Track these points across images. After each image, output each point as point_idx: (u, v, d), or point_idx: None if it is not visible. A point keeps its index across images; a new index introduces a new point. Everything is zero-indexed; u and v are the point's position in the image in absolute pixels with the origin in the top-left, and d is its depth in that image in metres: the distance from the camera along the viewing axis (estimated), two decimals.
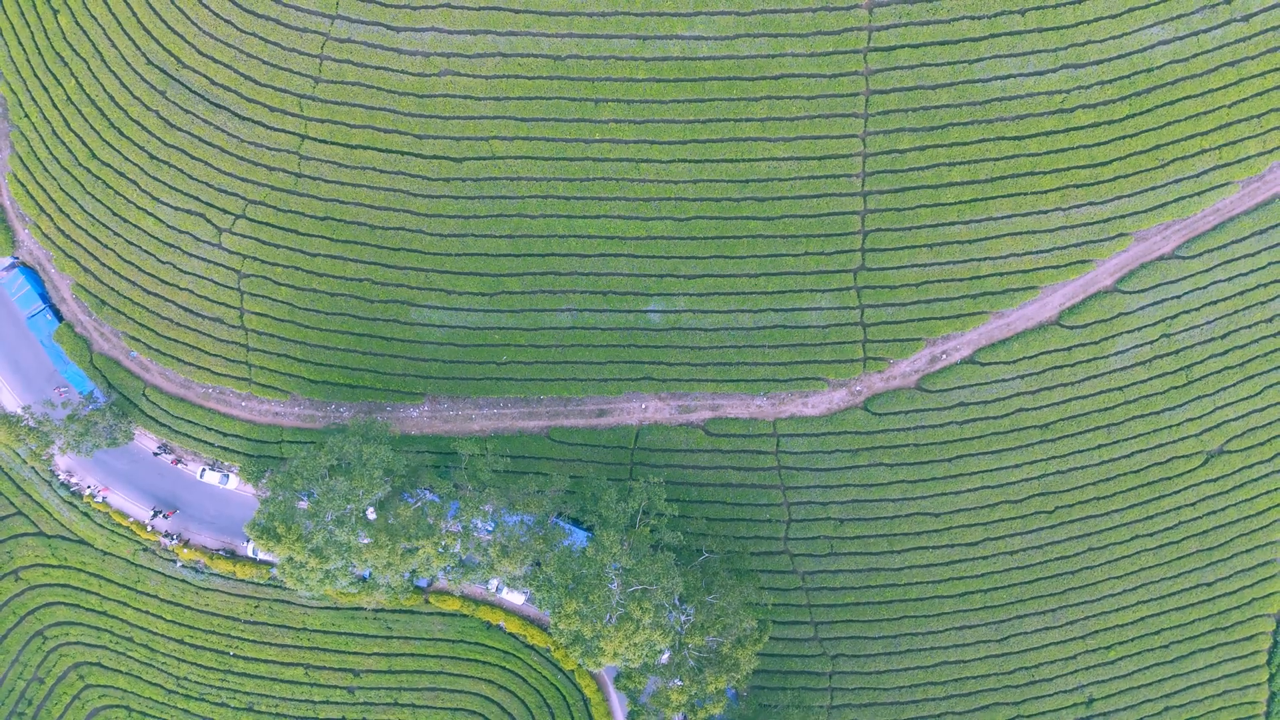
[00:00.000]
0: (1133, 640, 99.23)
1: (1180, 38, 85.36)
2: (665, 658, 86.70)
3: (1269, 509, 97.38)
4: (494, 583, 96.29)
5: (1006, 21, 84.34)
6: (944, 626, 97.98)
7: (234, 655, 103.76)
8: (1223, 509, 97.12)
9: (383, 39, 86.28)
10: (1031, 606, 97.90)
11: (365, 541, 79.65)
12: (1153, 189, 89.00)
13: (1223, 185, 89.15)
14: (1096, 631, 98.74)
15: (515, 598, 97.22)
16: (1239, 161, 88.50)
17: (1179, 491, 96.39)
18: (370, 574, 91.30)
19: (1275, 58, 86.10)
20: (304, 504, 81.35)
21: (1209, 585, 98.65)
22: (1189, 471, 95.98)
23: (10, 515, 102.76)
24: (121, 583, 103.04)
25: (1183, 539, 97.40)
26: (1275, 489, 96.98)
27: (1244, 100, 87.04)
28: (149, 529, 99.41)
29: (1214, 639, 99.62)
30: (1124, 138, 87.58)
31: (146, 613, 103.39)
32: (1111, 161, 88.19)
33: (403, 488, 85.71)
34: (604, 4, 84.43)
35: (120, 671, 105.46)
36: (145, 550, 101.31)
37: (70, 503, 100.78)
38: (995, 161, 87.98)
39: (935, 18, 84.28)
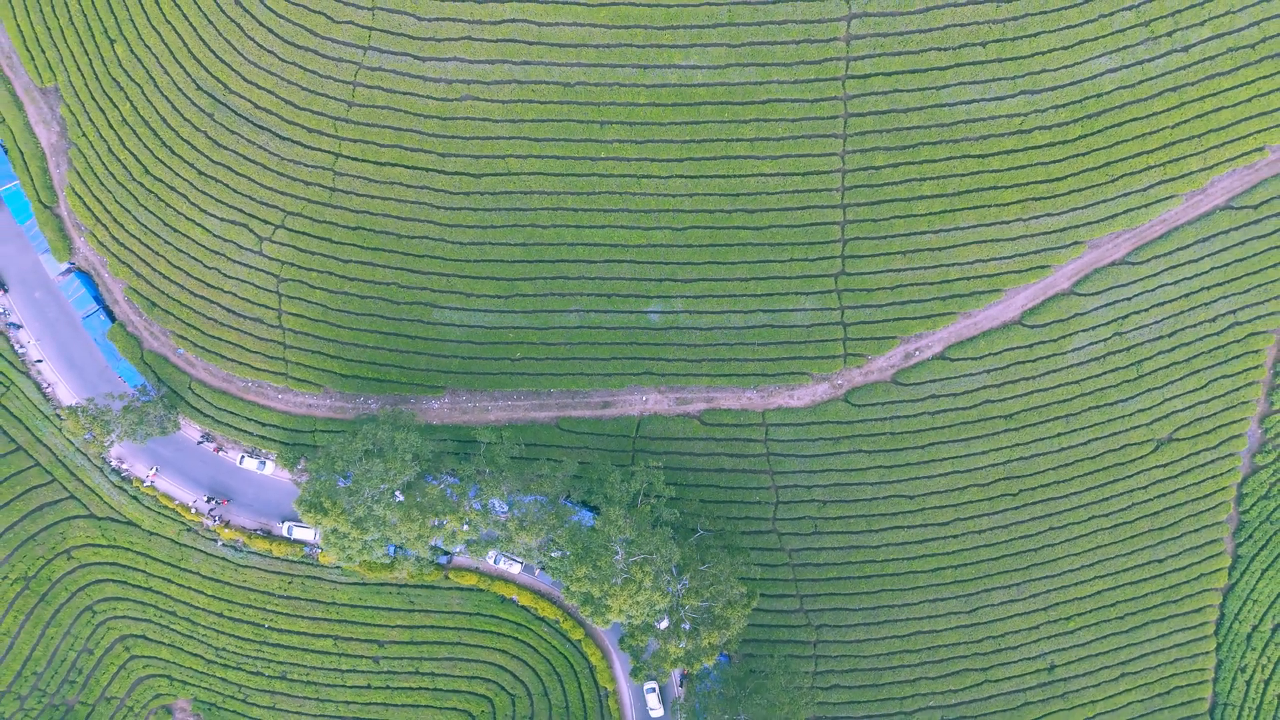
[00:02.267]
0: (1091, 612, 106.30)
1: (1126, 66, 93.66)
2: (664, 625, 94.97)
3: (1215, 492, 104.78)
4: (492, 554, 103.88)
5: (970, 53, 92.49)
6: (918, 599, 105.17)
7: (269, 627, 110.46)
8: (1172, 492, 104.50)
9: (410, 68, 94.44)
10: (998, 581, 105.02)
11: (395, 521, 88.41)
12: (1104, 201, 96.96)
13: (1168, 198, 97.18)
14: (1057, 604, 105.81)
15: (512, 568, 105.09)
16: (1182, 177, 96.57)
17: (1132, 476, 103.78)
18: (396, 548, 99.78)
19: (1212, 84, 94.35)
20: (341, 484, 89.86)
21: (1160, 562, 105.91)
22: (1141, 458, 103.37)
23: (63, 499, 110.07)
24: (166, 560, 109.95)
25: (1136, 519, 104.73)
26: (1220, 474, 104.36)
27: (1185, 122, 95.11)
28: (193, 510, 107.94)
29: (1165, 611, 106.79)
30: (1077, 155, 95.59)
31: (189, 588, 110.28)
32: (1066, 177, 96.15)
33: (427, 471, 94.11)
34: (609, 37, 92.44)
35: (163, 643, 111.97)
36: (189, 530, 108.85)
37: (120, 487, 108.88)
38: (961, 177, 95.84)
39: (906, 49, 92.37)
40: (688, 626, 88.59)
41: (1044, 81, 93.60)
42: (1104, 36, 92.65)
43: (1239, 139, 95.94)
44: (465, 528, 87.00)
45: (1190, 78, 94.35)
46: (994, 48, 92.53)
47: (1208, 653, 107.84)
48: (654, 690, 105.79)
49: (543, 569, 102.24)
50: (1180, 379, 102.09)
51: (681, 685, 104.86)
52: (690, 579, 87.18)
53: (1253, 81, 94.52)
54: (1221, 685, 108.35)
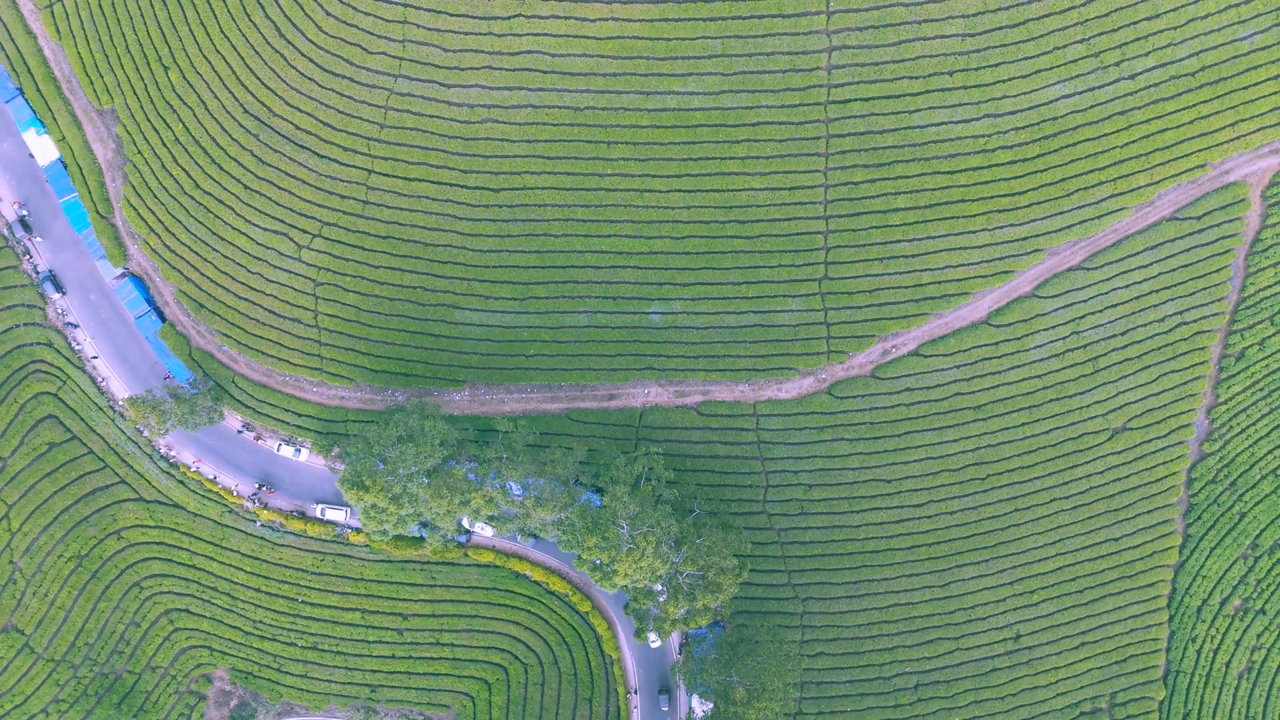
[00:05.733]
0: (1053, 586, 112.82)
1: (1079, 93, 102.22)
2: (664, 598, 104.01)
3: (1166, 477, 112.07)
4: (467, 520, 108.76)
5: (938, 81, 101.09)
6: (895, 574, 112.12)
7: (302, 601, 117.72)
8: (1126, 476, 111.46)
9: (436, 94, 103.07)
10: (968, 558, 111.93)
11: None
12: (1061, 213, 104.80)
13: (1118, 210, 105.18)
14: (1022, 578, 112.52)
15: (486, 531, 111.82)
16: (1131, 191, 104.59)
17: (1089, 462, 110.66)
18: (422, 525, 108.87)
19: (1157, 108, 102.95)
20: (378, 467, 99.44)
21: (1116, 540, 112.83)
22: (1097, 445, 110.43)
23: (115, 484, 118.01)
24: (209, 540, 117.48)
25: (1093, 501, 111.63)
26: (1171, 460, 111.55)
27: (1133, 142, 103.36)
28: (235, 494, 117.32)
29: (1121, 585, 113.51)
30: (1036, 172, 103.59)
31: (229, 566, 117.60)
32: (1026, 191, 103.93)
33: (451, 456, 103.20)
34: (615, 67, 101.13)
35: (205, 616, 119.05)
36: (230, 512, 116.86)
37: (168, 472, 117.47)
38: (932, 191, 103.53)
39: (881, 77, 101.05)
40: (684, 593, 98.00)
41: (1005, 106, 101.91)
42: (1058, 66, 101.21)
43: (1182, 157, 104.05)
44: (489, 503, 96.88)
45: (1137, 102, 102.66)
46: (960, 76, 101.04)
47: (1161, 624, 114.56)
48: (656, 640, 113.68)
49: (529, 534, 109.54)
50: (1133, 374, 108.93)
51: (680, 652, 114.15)
52: (687, 550, 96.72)
53: (1193, 105, 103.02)
54: (1174, 654, 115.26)
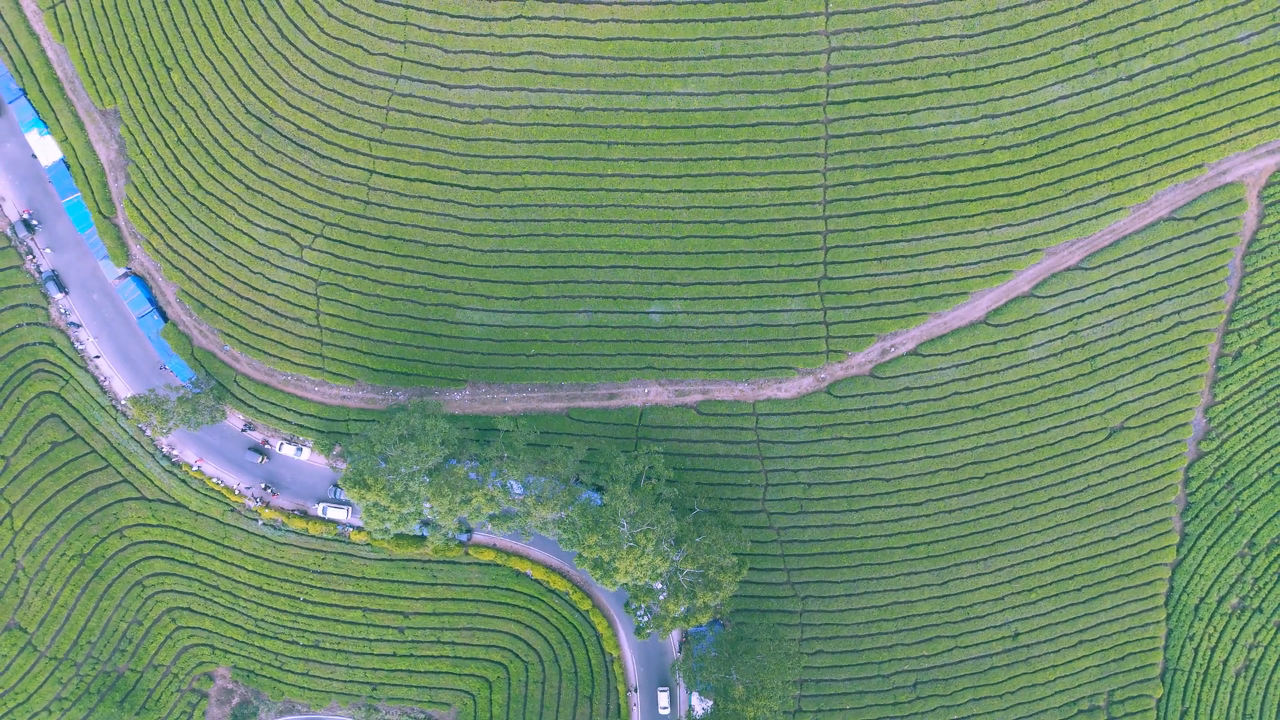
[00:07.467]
0: (1051, 584, 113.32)
1: (1077, 94, 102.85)
2: (664, 597, 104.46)
3: (1163, 475, 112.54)
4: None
5: (937, 82, 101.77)
6: (894, 573, 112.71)
7: (304, 600, 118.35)
8: (1124, 475, 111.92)
9: (437, 94, 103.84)
10: (966, 556, 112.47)
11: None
12: (1059, 214, 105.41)
13: (1116, 210, 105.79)
14: (1021, 577, 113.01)
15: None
16: (1128, 191, 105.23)
17: (1087, 460, 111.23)
18: (424, 526, 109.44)
19: (1154, 109, 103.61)
20: (380, 466, 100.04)
21: (1114, 539, 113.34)
22: (1095, 444, 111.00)
23: (117, 483, 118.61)
24: (211, 539, 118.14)
25: (1091, 500, 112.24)
26: (1168, 459, 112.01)
27: (1130, 142, 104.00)
28: (237, 493, 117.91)
29: (1119, 584, 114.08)
30: (1034, 173, 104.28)
31: (231, 564, 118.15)
32: (1024, 191, 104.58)
33: (452, 455, 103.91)
34: (615, 67, 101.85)
35: (207, 615, 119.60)
36: (232, 511, 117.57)
37: (170, 471, 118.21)
38: (930, 191, 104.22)
39: (880, 79, 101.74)
40: (685, 590, 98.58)
41: (1003, 107, 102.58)
42: (1056, 67, 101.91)
43: (1179, 157, 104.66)
44: (490, 501, 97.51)
45: (1134, 103, 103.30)
46: (958, 77, 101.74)
47: (1158, 622, 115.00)
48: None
49: (529, 533, 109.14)
50: (1130, 373, 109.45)
51: (680, 650, 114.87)
52: (687, 548, 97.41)
53: (1190, 106, 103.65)
54: (1171, 652, 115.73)
